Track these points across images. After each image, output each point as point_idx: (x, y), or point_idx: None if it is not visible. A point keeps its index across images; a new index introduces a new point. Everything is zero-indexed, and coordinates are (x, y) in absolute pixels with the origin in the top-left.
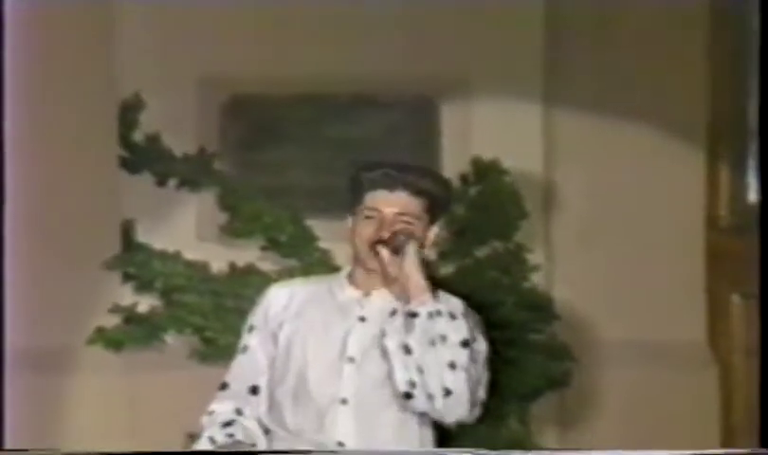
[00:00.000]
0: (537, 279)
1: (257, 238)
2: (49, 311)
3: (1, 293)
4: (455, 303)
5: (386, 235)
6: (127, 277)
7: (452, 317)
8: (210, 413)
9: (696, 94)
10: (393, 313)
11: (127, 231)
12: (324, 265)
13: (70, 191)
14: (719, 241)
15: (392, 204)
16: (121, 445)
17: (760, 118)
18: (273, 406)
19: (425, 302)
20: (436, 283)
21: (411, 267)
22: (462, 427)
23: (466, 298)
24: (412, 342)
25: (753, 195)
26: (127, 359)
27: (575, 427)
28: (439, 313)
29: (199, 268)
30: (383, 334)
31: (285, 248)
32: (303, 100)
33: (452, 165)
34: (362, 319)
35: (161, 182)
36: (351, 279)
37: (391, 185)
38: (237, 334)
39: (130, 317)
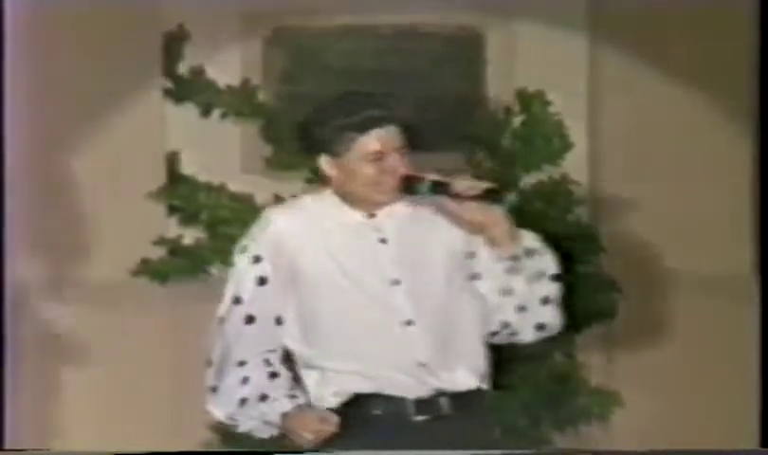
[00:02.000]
0: (582, 211)
1: (302, 170)
2: (96, 243)
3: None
4: (536, 238)
5: (400, 173)
6: (172, 209)
7: (543, 252)
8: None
9: (740, 29)
10: (472, 255)
11: (172, 163)
12: None
13: (116, 122)
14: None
15: (389, 141)
16: (166, 375)
17: (761, 118)
18: (311, 337)
19: (520, 243)
20: None
21: (497, 211)
22: (510, 361)
23: None
24: (516, 284)
25: None
26: (172, 291)
27: (619, 359)
28: (535, 250)
29: (244, 200)
30: (475, 276)
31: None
32: (346, 32)
33: (496, 96)
34: (383, 241)
35: (205, 113)
36: (346, 202)
37: (381, 123)
38: None
39: (175, 249)
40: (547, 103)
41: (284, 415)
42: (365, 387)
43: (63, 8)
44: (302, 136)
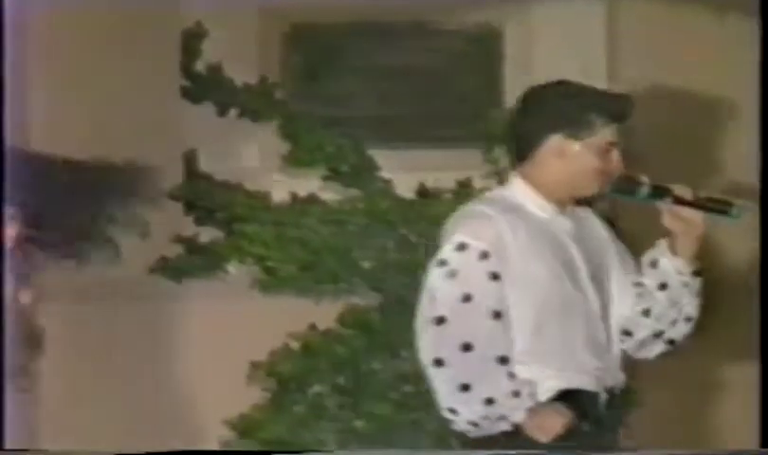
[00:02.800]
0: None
1: (318, 168)
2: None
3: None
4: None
5: (619, 170)
6: (189, 207)
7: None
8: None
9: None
10: (654, 264)
11: (189, 161)
12: (386, 195)
13: (134, 119)
14: None
15: (616, 139)
16: (182, 373)
17: (761, 117)
18: (527, 333)
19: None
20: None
21: (700, 223)
22: None
23: None
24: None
25: None
26: (189, 289)
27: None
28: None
29: (261, 198)
30: (663, 286)
31: (347, 178)
32: (364, 29)
33: (514, 92)
34: (574, 238)
35: (222, 111)
36: (539, 193)
37: (619, 118)
38: (298, 264)
39: (192, 247)
40: None
41: (529, 411)
42: (574, 383)
43: (81, 5)
44: (543, 107)
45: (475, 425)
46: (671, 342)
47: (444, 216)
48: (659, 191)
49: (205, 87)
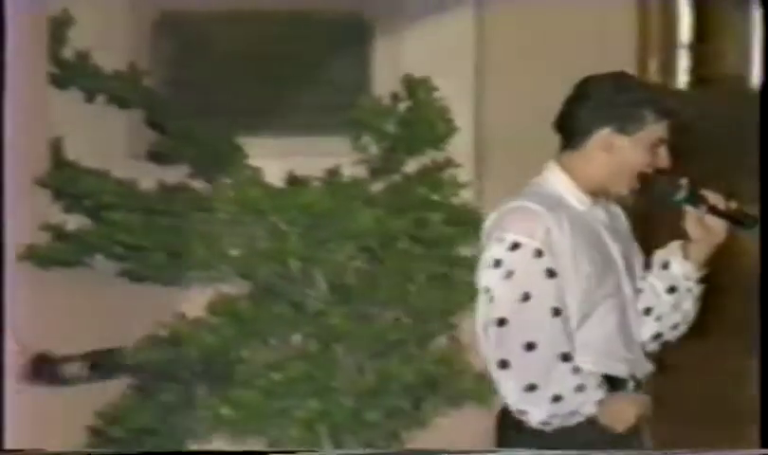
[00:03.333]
0: (466, 195)
1: (187, 155)
2: None
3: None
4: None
5: (665, 166)
6: (57, 194)
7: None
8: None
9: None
10: (666, 266)
11: (56, 148)
12: (256, 183)
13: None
14: None
15: (666, 135)
16: None
17: (761, 118)
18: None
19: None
20: None
21: (722, 232)
22: (392, 346)
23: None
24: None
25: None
26: (57, 276)
27: None
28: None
29: (129, 186)
30: (672, 289)
31: (216, 166)
32: (233, 17)
33: (384, 83)
34: (607, 229)
35: (90, 98)
36: (576, 184)
37: (671, 115)
38: (167, 252)
39: (59, 234)
40: (433, 89)
41: (599, 403)
42: (611, 370)
43: None
44: (596, 99)
45: (546, 423)
46: (664, 344)
47: (313, 204)
48: (695, 198)
49: (72, 74)
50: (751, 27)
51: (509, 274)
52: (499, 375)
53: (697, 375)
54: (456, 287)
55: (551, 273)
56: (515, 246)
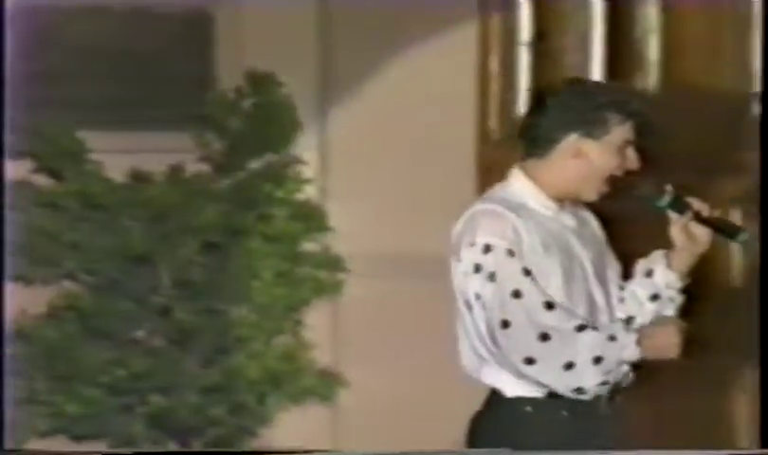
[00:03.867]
0: (310, 190)
1: (30, 149)
2: None
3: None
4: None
5: (635, 168)
6: None
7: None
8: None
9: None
10: (649, 274)
11: None
12: (98, 178)
13: None
14: (490, 154)
15: (632, 137)
16: None
17: (762, 114)
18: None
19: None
20: None
21: (705, 241)
22: (236, 342)
23: None
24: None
25: (522, 108)
26: None
27: (347, 338)
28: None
29: None
30: (654, 297)
31: (58, 161)
32: (81, 12)
33: (227, 78)
34: (575, 234)
35: None
36: (541, 190)
37: (634, 116)
38: (10, 248)
39: None
40: (278, 85)
41: (639, 341)
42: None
43: None
44: (558, 107)
45: (604, 383)
46: None
47: (156, 199)
48: (680, 204)
49: None
50: (592, 23)
51: (491, 276)
52: (528, 372)
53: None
54: (301, 283)
55: (527, 272)
56: (487, 249)
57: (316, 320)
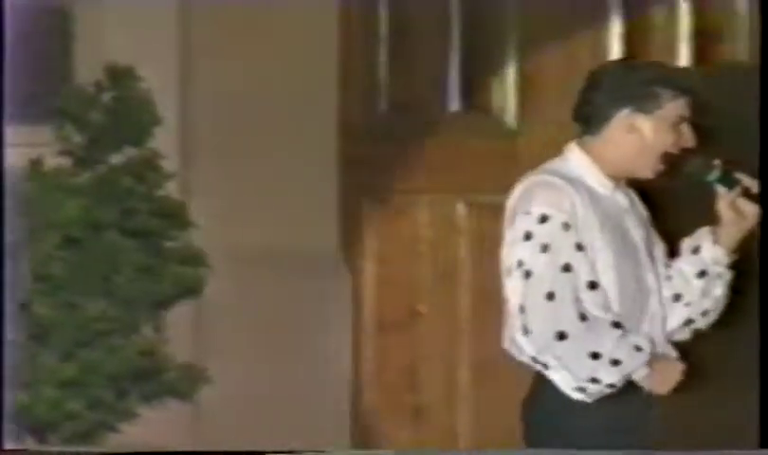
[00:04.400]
0: (171, 186)
1: None
2: None
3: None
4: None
5: (689, 145)
6: None
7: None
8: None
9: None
10: (696, 251)
11: None
12: None
13: None
14: (352, 148)
15: (686, 113)
16: None
17: (761, 118)
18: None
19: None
20: None
21: (755, 215)
22: (97, 336)
23: None
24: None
25: (384, 104)
26: None
27: (211, 334)
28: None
29: None
30: (702, 274)
31: None
32: None
33: (86, 72)
34: (628, 213)
35: None
36: (598, 167)
37: (685, 91)
38: None
39: None
40: (137, 78)
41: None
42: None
43: None
44: (610, 83)
45: (612, 386)
46: (695, 331)
47: (16, 193)
48: (729, 179)
49: None
50: (451, 24)
51: (544, 247)
52: (556, 348)
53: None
54: (163, 279)
55: (579, 247)
56: (543, 219)
57: (177, 316)
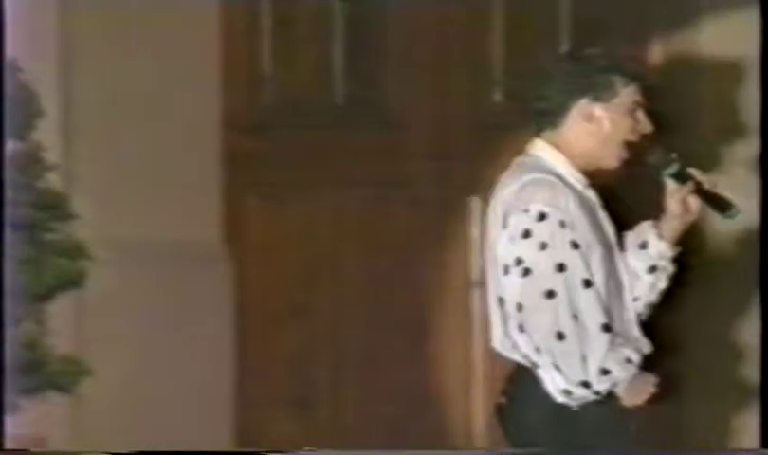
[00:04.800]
0: (53, 177)
1: None
2: None
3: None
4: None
5: (647, 131)
6: None
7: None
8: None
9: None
10: (644, 246)
11: None
12: None
13: None
14: (236, 140)
15: (640, 98)
16: None
17: (762, 118)
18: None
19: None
20: None
21: (696, 211)
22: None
23: None
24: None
25: (268, 97)
26: None
27: (92, 326)
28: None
29: None
30: (652, 269)
31: None
32: None
33: None
34: (602, 209)
35: None
36: (571, 163)
37: (637, 78)
38: None
39: None
40: (19, 70)
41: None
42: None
43: None
44: (565, 74)
45: (598, 393)
46: (641, 323)
47: None
48: (684, 174)
49: None
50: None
51: (543, 245)
52: (553, 347)
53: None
54: (44, 271)
55: (575, 245)
56: (542, 217)
57: (59, 308)
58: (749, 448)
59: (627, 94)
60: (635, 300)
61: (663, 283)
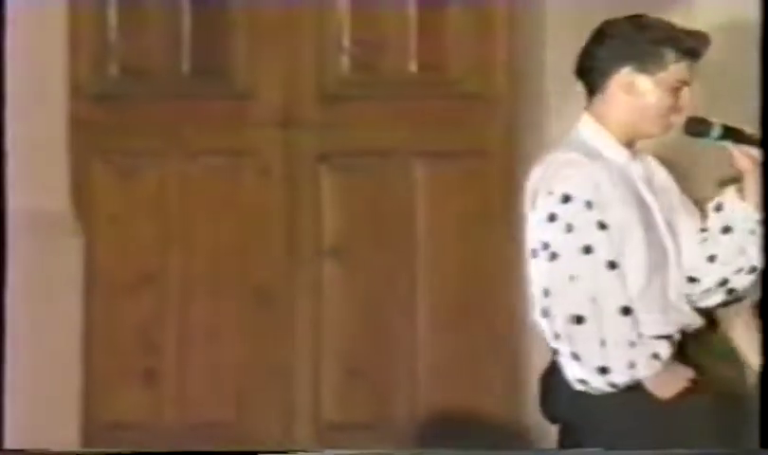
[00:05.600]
0: None
1: None
2: None
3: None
4: None
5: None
6: None
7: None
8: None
9: None
10: (719, 208)
11: None
12: None
13: None
14: (82, 109)
15: (688, 77)
16: None
17: (762, 118)
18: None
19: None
20: None
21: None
22: None
23: None
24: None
25: (115, 66)
26: None
27: None
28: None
29: None
30: (726, 229)
31: None
32: None
33: None
34: (646, 182)
35: None
36: (610, 133)
37: (692, 55)
38: None
39: None
40: None
41: (652, 368)
42: (666, 329)
43: None
44: (615, 39)
45: (615, 386)
46: (731, 292)
47: None
48: (731, 132)
49: None
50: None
51: (569, 227)
52: (572, 332)
53: None
54: None
55: (602, 225)
56: (566, 199)
57: None
58: (749, 448)
59: (675, 70)
60: (723, 264)
61: (753, 249)
